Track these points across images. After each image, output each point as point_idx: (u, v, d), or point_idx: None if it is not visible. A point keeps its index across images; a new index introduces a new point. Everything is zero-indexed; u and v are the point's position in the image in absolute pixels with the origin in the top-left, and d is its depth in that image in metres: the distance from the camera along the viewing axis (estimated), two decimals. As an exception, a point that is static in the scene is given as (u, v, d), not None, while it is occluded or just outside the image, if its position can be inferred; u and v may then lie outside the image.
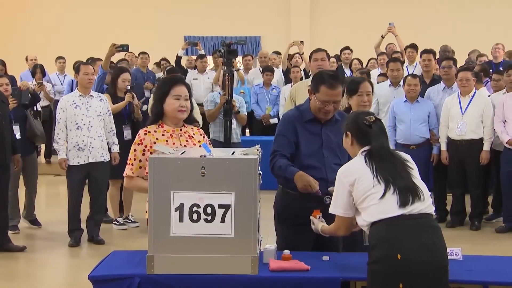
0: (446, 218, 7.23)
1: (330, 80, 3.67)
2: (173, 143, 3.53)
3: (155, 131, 3.57)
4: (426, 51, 7.83)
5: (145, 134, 3.55)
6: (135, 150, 3.54)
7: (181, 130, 3.64)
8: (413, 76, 7.29)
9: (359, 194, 2.98)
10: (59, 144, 6.21)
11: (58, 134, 6.24)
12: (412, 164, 3.08)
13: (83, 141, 6.21)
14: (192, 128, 3.72)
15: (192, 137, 3.65)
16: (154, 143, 3.48)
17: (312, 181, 3.52)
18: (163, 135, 3.57)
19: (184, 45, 11.23)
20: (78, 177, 6.29)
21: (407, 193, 2.91)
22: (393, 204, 2.90)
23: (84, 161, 6.23)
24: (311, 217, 3.43)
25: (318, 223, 3.38)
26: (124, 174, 3.57)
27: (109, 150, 6.47)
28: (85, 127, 6.23)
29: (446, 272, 2.89)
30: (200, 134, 3.74)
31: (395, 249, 2.83)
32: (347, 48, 10.82)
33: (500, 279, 3.12)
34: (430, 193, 3.06)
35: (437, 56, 9.82)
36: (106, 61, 7.19)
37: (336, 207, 3.09)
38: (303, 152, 3.74)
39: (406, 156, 3.13)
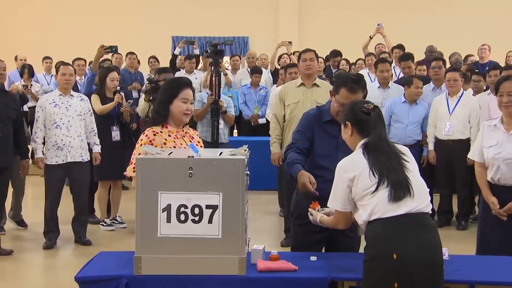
0: (434, 218, 7.27)
1: (351, 84, 3.65)
2: (181, 144, 3.55)
3: (161, 132, 3.56)
4: (404, 58, 7.85)
5: (154, 134, 3.52)
6: None
7: (183, 131, 3.66)
8: (420, 78, 7.33)
9: (359, 191, 2.97)
10: (37, 143, 6.19)
11: (36, 133, 6.20)
12: (408, 157, 3.07)
13: (62, 140, 6.18)
14: (189, 129, 3.75)
15: (193, 137, 3.70)
16: (164, 143, 3.48)
17: (306, 182, 3.48)
18: (169, 135, 3.57)
19: (181, 43, 11.20)
20: (56, 176, 6.25)
21: (399, 188, 2.90)
22: (387, 201, 2.88)
23: (63, 160, 6.20)
24: (310, 209, 3.44)
25: (316, 214, 3.38)
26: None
27: (91, 150, 6.43)
28: (64, 126, 6.20)
29: (441, 271, 2.90)
30: (197, 135, 3.79)
31: (391, 249, 2.83)
32: (337, 55, 10.66)
33: (486, 279, 3.13)
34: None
35: (423, 56, 9.90)
36: (95, 63, 7.17)
37: (335, 202, 3.09)
38: (317, 153, 3.77)
39: (403, 149, 3.12)
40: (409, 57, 7.89)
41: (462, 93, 7.03)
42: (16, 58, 11.52)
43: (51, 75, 11.23)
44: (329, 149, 3.72)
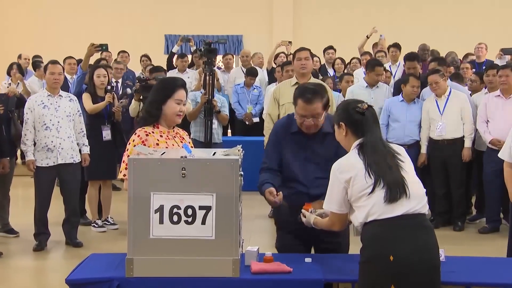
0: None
1: (307, 94, 3.57)
2: (173, 144, 3.50)
3: (153, 132, 3.51)
4: (409, 58, 7.77)
5: (147, 135, 3.46)
6: None
7: (173, 131, 3.62)
8: (417, 77, 7.32)
9: (355, 192, 2.93)
10: (27, 145, 6.07)
11: (25, 135, 6.09)
12: (404, 157, 3.02)
13: (52, 142, 6.08)
14: (179, 129, 3.70)
15: (184, 138, 3.65)
16: (157, 144, 3.43)
17: (268, 197, 3.56)
18: (161, 136, 3.52)
19: (179, 41, 11.17)
20: (46, 178, 6.17)
21: (395, 189, 2.86)
22: (383, 202, 2.85)
23: (54, 162, 6.11)
24: (303, 210, 3.40)
25: (310, 216, 3.34)
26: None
27: (80, 151, 6.34)
28: (54, 128, 6.10)
29: (438, 273, 2.88)
30: (187, 135, 3.74)
31: (388, 250, 2.80)
32: (330, 47, 10.78)
33: (482, 280, 3.12)
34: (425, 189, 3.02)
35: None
36: (85, 62, 7.08)
37: (331, 203, 3.04)
38: (286, 164, 3.70)
39: (399, 149, 3.08)
40: (415, 57, 7.82)
41: (450, 92, 7.00)
42: (20, 57, 11.46)
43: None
44: (298, 160, 3.67)
